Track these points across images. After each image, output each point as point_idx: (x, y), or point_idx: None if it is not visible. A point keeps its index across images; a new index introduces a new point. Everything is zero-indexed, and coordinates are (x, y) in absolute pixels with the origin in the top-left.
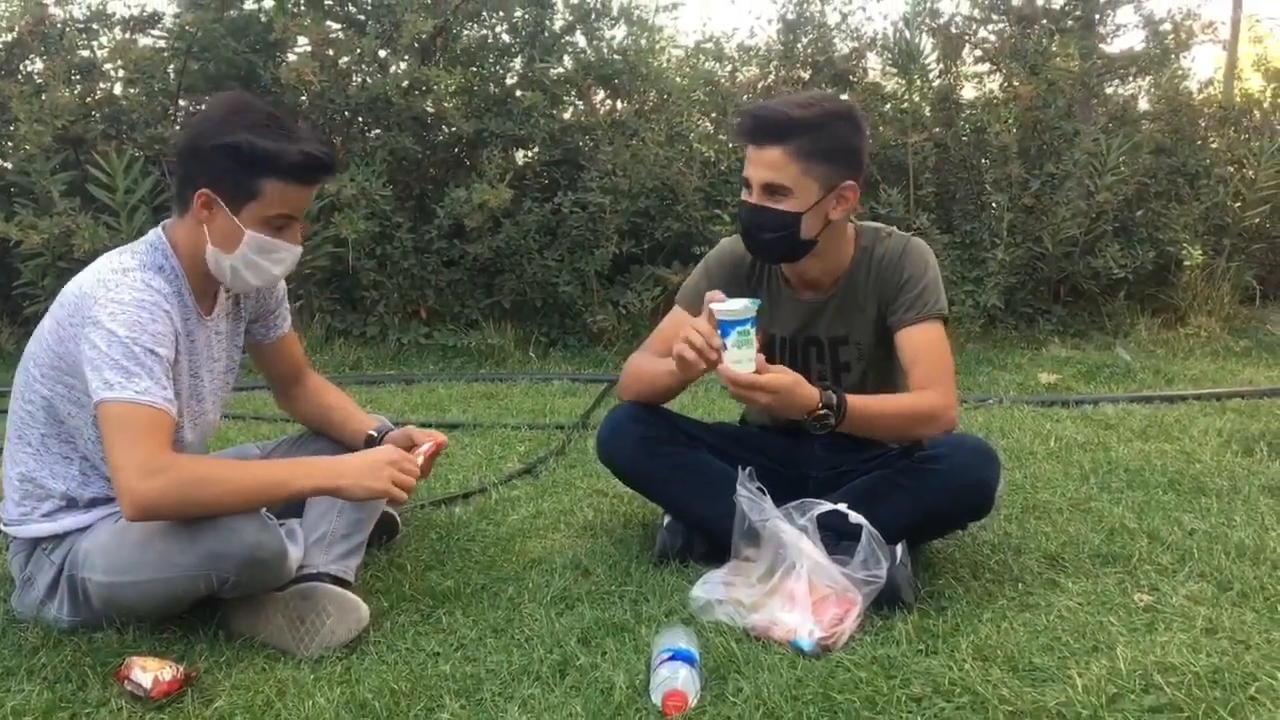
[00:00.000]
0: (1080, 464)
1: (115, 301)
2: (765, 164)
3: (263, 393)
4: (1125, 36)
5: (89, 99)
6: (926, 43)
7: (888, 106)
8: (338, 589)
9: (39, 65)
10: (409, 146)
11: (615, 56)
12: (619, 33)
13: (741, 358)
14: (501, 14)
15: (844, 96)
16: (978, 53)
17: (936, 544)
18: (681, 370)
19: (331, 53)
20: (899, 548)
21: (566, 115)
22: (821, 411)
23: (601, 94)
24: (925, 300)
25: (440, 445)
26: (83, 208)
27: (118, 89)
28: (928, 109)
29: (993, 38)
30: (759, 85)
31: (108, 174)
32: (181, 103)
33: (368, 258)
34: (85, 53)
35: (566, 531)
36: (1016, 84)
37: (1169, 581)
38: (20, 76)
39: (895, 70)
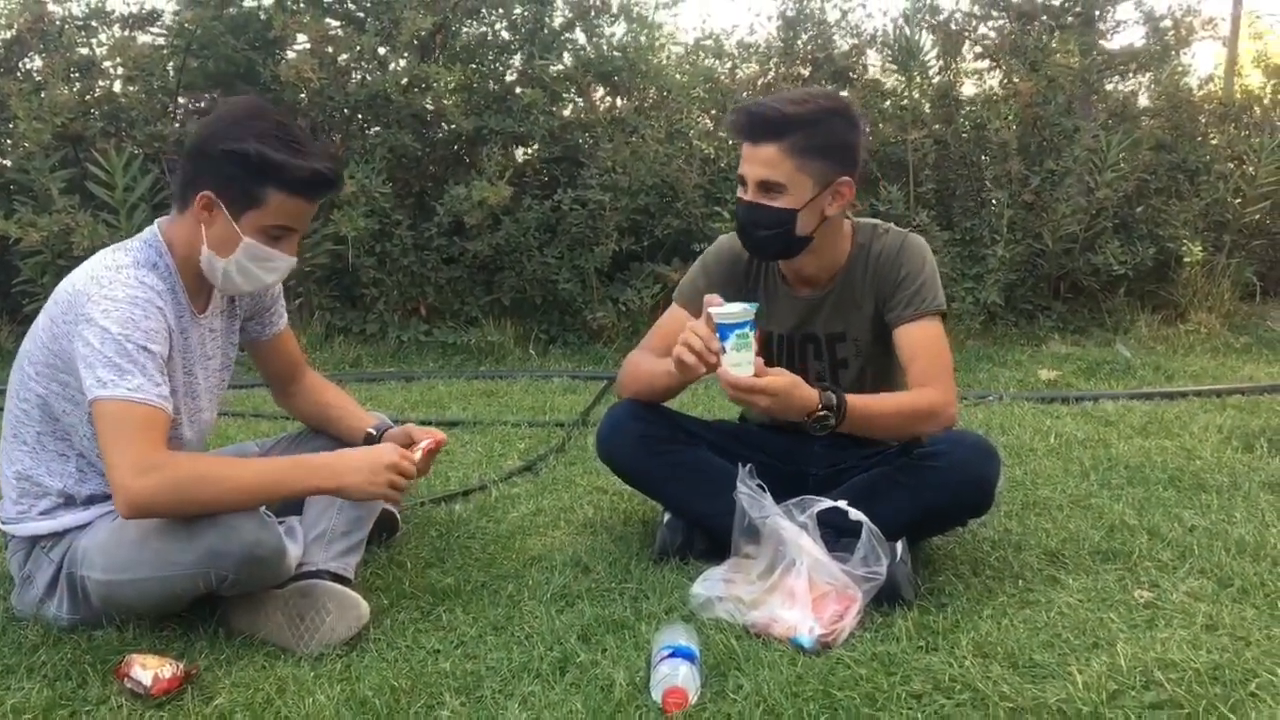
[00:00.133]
0: (1080, 460)
1: (108, 298)
2: (760, 161)
3: (262, 390)
4: (1125, 33)
5: (88, 96)
6: (926, 39)
7: (887, 103)
8: (337, 586)
9: (38, 63)
10: (408, 144)
11: (615, 53)
12: (619, 30)
13: (740, 361)
14: (501, 11)
15: (844, 93)
16: (978, 49)
17: (936, 541)
18: (680, 373)
19: (331, 50)
20: (899, 545)
21: (566, 112)
22: (821, 412)
23: (601, 91)
24: (923, 297)
25: (439, 443)
26: (82, 205)
27: (117, 86)
28: (928, 106)
29: (992, 34)
30: (759, 82)
31: (107, 171)
32: (181, 100)
33: (367, 255)
34: (84, 50)
35: (566, 529)
36: (1016, 80)
37: (1169, 578)
38: (19, 74)
39: (895, 67)
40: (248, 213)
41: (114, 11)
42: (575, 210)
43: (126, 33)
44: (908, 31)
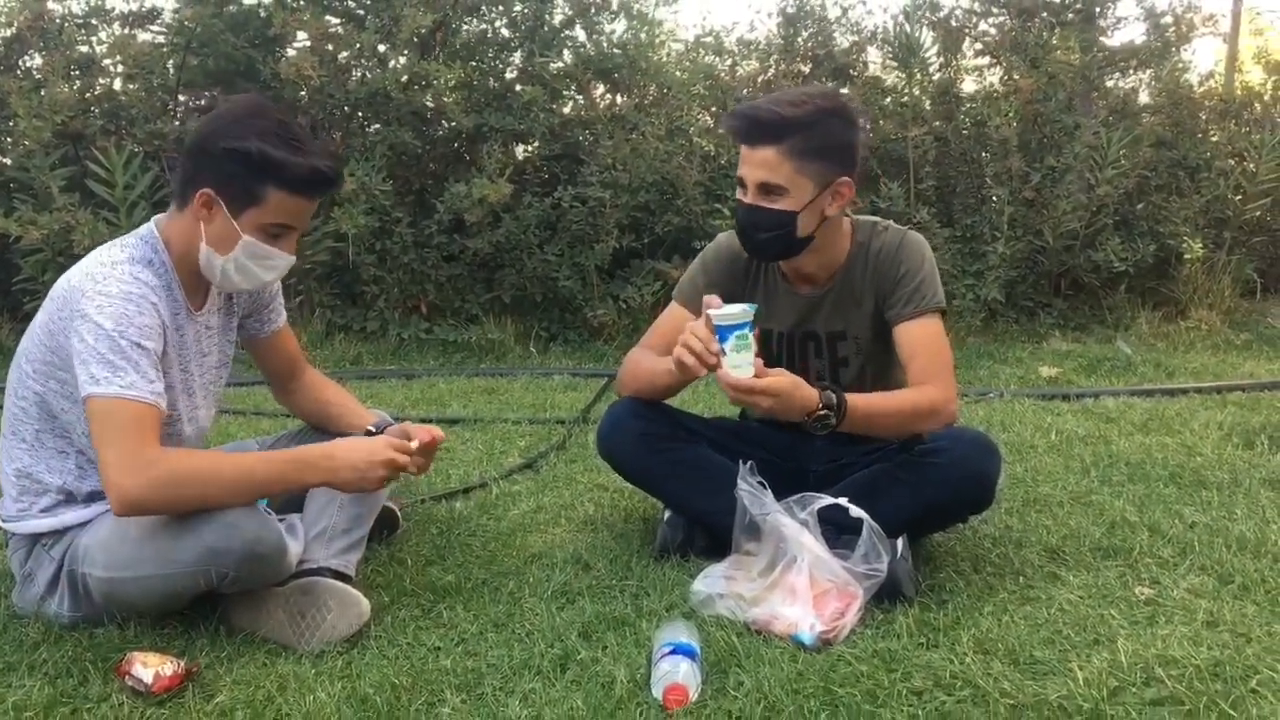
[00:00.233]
0: (1081, 457)
1: (102, 294)
2: (759, 163)
3: (263, 388)
4: (1126, 29)
5: (88, 94)
6: (926, 36)
7: (888, 100)
8: (338, 584)
9: (38, 61)
10: (409, 141)
11: (615, 51)
12: (619, 27)
13: (740, 362)
14: (501, 8)
15: (844, 90)
16: (978, 46)
17: (937, 538)
18: (681, 373)
19: (331, 48)
20: (900, 541)
21: (566, 110)
22: (822, 412)
23: (601, 88)
24: (923, 294)
25: (435, 440)
26: (82, 203)
27: (117, 84)
28: (928, 103)
29: (993, 31)
30: (759, 79)
31: (107, 169)
32: (181, 98)
33: (368, 253)
34: (84, 48)
35: (567, 526)
36: (1017, 77)
37: (1170, 575)
38: (19, 72)
39: (895, 64)
40: (247, 211)
41: (114, 9)
42: (575, 208)
43: (126, 30)
44: (908, 28)
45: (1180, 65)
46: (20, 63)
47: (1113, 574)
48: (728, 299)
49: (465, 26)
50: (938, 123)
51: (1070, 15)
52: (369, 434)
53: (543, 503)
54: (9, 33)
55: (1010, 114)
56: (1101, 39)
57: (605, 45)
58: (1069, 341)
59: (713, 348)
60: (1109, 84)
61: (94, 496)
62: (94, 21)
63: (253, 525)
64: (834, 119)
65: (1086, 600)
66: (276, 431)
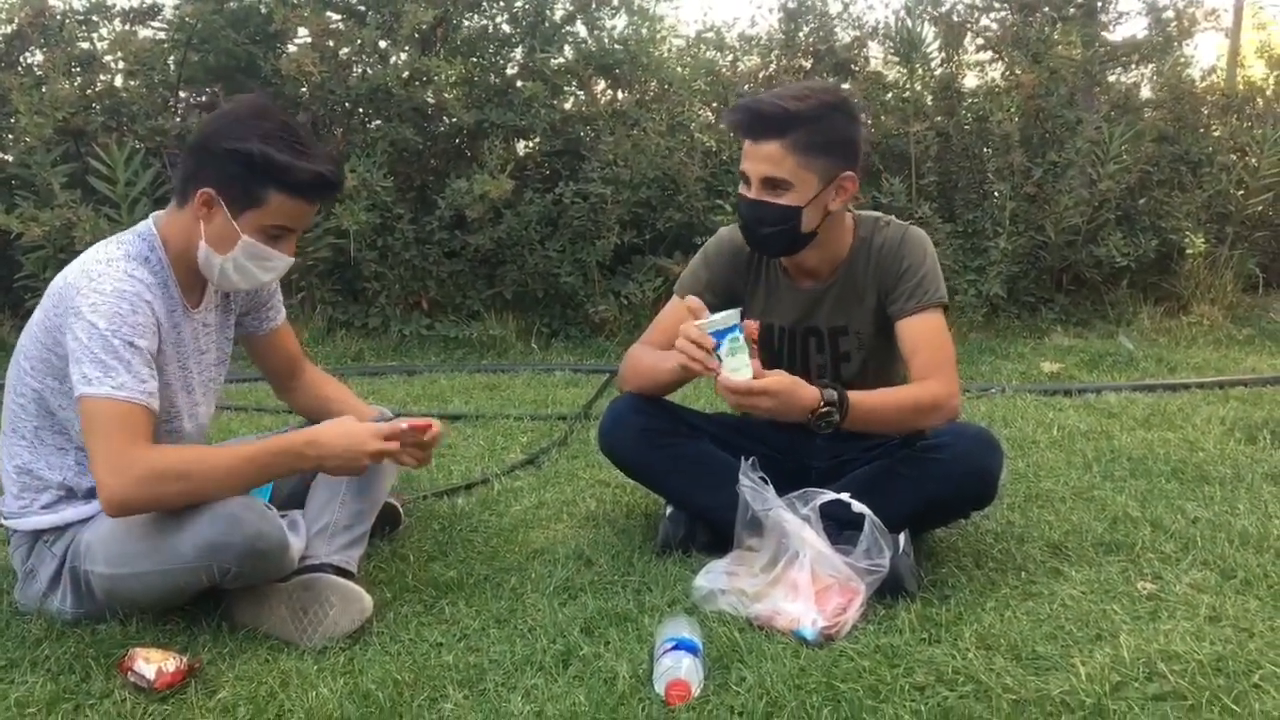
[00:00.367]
0: (1083, 452)
1: (97, 292)
2: (763, 158)
3: (265, 385)
4: (1128, 24)
5: (89, 91)
6: (928, 31)
7: (889, 95)
8: (340, 580)
9: (39, 57)
10: (410, 137)
11: (616, 46)
12: (620, 22)
13: (738, 364)
14: (502, 4)
15: (845, 86)
16: (980, 41)
17: (939, 533)
18: (684, 373)
19: (332, 44)
20: (902, 537)
21: (567, 105)
22: (824, 409)
23: (602, 84)
24: (925, 289)
25: (435, 435)
26: (84, 200)
27: (118, 81)
28: (930, 98)
29: (995, 26)
30: (760, 75)
31: (108, 166)
32: (182, 94)
33: (369, 249)
34: (85, 45)
35: (569, 522)
36: (1019, 72)
37: (1172, 570)
38: (20, 68)
39: (897, 59)
40: (248, 212)
41: (115, 6)
42: (577, 203)
43: (127, 27)
44: (909, 23)
45: (1182, 60)
46: (21, 59)
47: (1115, 569)
48: (729, 293)
49: (466, 22)
50: (939, 118)
51: (1072, 10)
52: None
53: (544, 499)
54: (10, 29)
55: (1012, 109)
56: (1103, 34)
57: (606, 41)
58: (1071, 337)
59: (710, 364)
60: (1111, 79)
61: (94, 493)
62: (95, 18)
63: (254, 521)
64: (837, 113)
65: (1089, 595)
66: (279, 428)
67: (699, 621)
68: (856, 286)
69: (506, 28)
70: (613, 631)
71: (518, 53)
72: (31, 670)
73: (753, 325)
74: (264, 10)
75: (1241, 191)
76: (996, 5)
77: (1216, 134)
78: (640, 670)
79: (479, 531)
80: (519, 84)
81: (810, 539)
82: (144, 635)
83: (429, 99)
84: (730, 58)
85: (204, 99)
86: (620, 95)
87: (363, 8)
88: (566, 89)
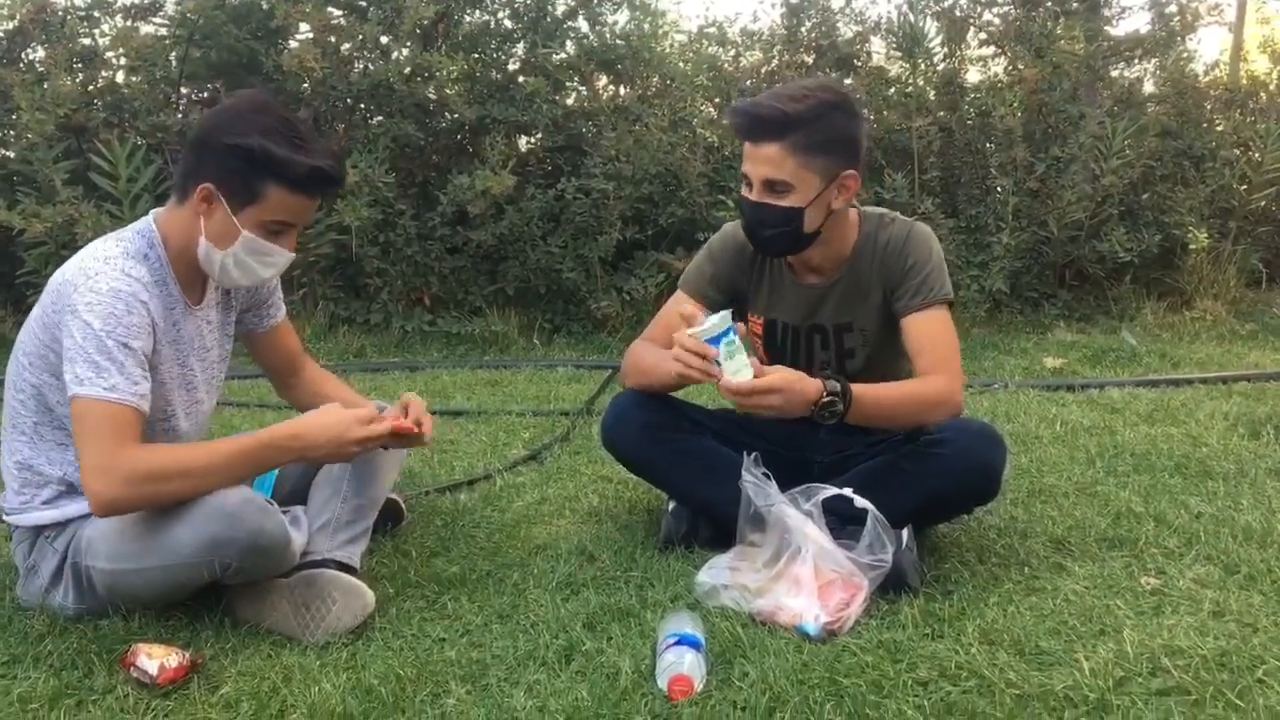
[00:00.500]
0: (1086, 448)
1: (93, 291)
2: (764, 160)
3: (268, 381)
4: (1131, 19)
5: (91, 87)
6: (931, 26)
7: (892, 91)
8: (343, 575)
9: (41, 53)
10: (411, 133)
11: (618, 42)
12: (622, 18)
13: (738, 367)
14: None
15: (847, 81)
16: (982, 36)
17: (942, 528)
18: (683, 381)
19: (333, 39)
20: (905, 532)
21: (569, 101)
22: (827, 399)
23: (604, 79)
24: (930, 286)
25: (406, 429)
26: (85, 196)
27: (120, 77)
28: (932, 93)
29: (997, 21)
30: (762, 70)
31: (110, 162)
32: (183, 90)
33: (371, 245)
34: (87, 41)
35: (571, 518)
36: (1021, 67)
37: (1176, 565)
38: (22, 65)
39: (899, 54)
40: (248, 207)
41: (116, 2)
42: (579, 199)
43: (129, 23)
44: (912, 18)
45: (1185, 55)
46: (23, 55)
47: (1118, 564)
48: (733, 289)
49: (468, 18)
50: (942, 113)
51: (1075, 4)
52: None
53: (547, 494)
54: (12, 25)
55: (1015, 104)
56: (1106, 28)
57: (608, 36)
58: (1074, 332)
59: (713, 371)
60: (1114, 74)
61: None
62: (96, 14)
63: (256, 517)
64: (836, 112)
65: (1092, 591)
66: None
67: (701, 617)
68: (861, 283)
69: (508, 23)
70: (615, 627)
71: (519, 48)
72: (34, 666)
73: (742, 326)
74: (265, 6)
75: (1245, 186)
76: (999, 0)
77: (1220, 129)
78: (643, 666)
79: (481, 527)
80: (521, 79)
81: (813, 534)
82: (146, 631)
83: (431, 95)
84: (732, 53)
85: (206, 95)
86: (622, 91)
87: (364, 3)
88: (568, 84)
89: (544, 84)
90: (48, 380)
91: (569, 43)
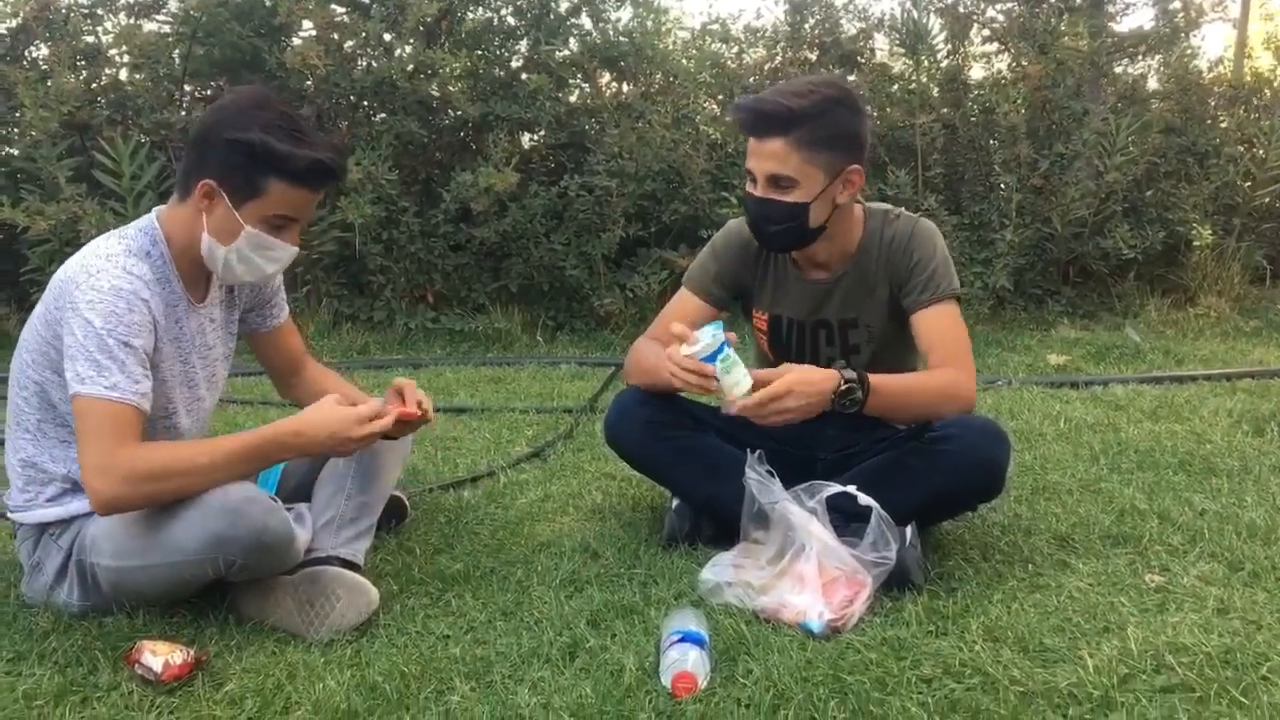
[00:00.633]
0: (1090, 445)
1: (94, 289)
2: (768, 156)
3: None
4: (1134, 15)
5: (94, 85)
6: (934, 23)
7: (895, 87)
8: (347, 572)
9: (44, 51)
10: (414, 130)
11: (621, 39)
12: (625, 15)
13: (737, 378)
14: None
15: (851, 78)
16: (986, 32)
17: (946, 526)
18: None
19: (336, 36)
20: (908, 529)
21: (572, 98)
22: (846, 386)
23: (607, 76)
24: (938, 282)
25: (410, 415)
26: (89, 193)
27: (123, 74)
28: (936, 90)
29: (1001, 17)
30: (765, 67)
31: (114, 160)
32: (187, 88)
33: (374, 242)
34: (90, 38)
35: (575, 515)
36: (1025, 64)
37: (1180, 562)
38: (25, 62)
39: (903, 51)
40: (249, 202)
41: None
42: (582, 196)
43: (132, 20)
44: (915, 15)
45: (1189, 51)
46: (26, 53)
47: (1122, 561)
48: (738, 286)
49: (471, 15)
50: (945, 110)
51: (1078, 1)
52: None
53: (550, 491)
54: (15, 23)
55: (1018, 101)
56: (1110, 25)
57: (611, 33)
58: (1077, 329)
59: (711, 386)
60: (1118, 70)
61: None
62: (100, 11)
63: (260, 514)
64: (840, 107)
65: (1096, 588)
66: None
67: (705, 614)
68: (867, 279)
69: (511, 20)
70: (619, 624)
71: (522, 45)
72: (39, 663)
73: (734, 336)
74: (269, 3)
75: (1249, 183)
76: None
77: (1224, 125)
78: (647, 663)
79: (485, 524)
80: (524, 77)
81: (817, 531)
82: (151, 628)
83: (434, 92)
84: (735, 50)
85: (209, 92)
86: (625, 88)
87: (367, 0)
88: (571, 82)
89: (547, 81)
90: (51, 378)
91: (572, 40)
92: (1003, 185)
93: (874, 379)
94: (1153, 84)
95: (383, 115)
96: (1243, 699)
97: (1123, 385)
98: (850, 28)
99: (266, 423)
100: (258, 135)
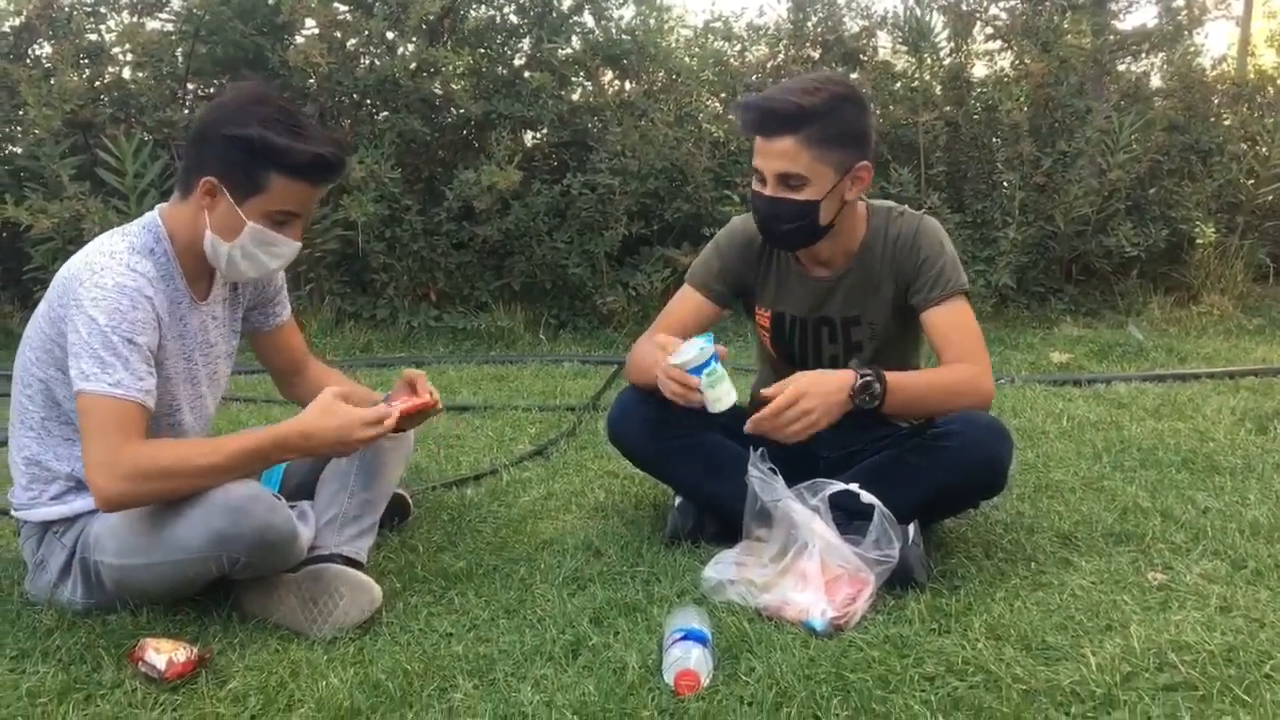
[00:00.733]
0: (1093, 443)
1: (98, 286)
2: (778, 155)
3: None
4: (1138, 13)
5: (97, 83)
6: (937, 20)
7: (898, 85)
8: (350, 570)
9: (47, 49)
10: (417, 129)
11: (624, 36)
12: (627, 12)
13: (721, 394)
14: None
15: (854, 76)
16: (989, 30)
17: (949, 523)
18: None
19: (339, 35)
20: (911, 527)
21: (575, 96)
22: (863, 381)
23: (610, 74)
24: (947, 279)
25: (418, 408)
26: (92, 192)
27: (126, 73)
28: (938, 87)
29: (1004, 15)
30: (768, 65)
31: (117, 158)
32: (190, 86)
33: (377, 240)
34: (93, 36)
35: (578, 513)
36: (1028, 61)
37: (1183, 560)
38: (29, 61)
39: (906, 48)
40: (251, 198)
41: None
42: (584, 194)
43: (135, 19)
44: (918, 12)
45: (1192, 49)
46: (30, 51)
47: (1125, 559)
48: (741, 283)
49: (473, 13)
50: (948, 108)
51: None
52: None
53: (553, 489)
54: (18, 21)
55: (1021, 98)
56: (1113, 22)
57: (614, 31)
58: (1080, 327)
59: (696, 399)
60: (1121, 68)
61: None
62: (103, 10)
63: (263, 512)
64: (849, 104)
65: (1099, 586)
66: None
67: (708, 612)
68: (871, 277)
69: (514, 18)
70: (622, 622)
71: (525, 43)
72: (43, 660)
73: (724, 349)
74: (271, 1)
75: (1252, 181)
76: None
77: (1227, 123)
78: (649, 661)
79: (488, 522)
80: (526, 75)
81: (819, 529)
82: (154, 626)
83: (436, 90)
84: (738, 48)
85: (212, 90)
86: (628, 86)
87: None
88: (574, 80)
89: (549, 79)
90: (55, 375)
91: (574, 38)
92: (1005, 183)
93: (893, 377)
94: (1156, 82)
95: (385, 113)
96: (1245, 697)
97: (1125, 383)
98: (853, 25)
99: (270, 421)
100: (256, 130)
